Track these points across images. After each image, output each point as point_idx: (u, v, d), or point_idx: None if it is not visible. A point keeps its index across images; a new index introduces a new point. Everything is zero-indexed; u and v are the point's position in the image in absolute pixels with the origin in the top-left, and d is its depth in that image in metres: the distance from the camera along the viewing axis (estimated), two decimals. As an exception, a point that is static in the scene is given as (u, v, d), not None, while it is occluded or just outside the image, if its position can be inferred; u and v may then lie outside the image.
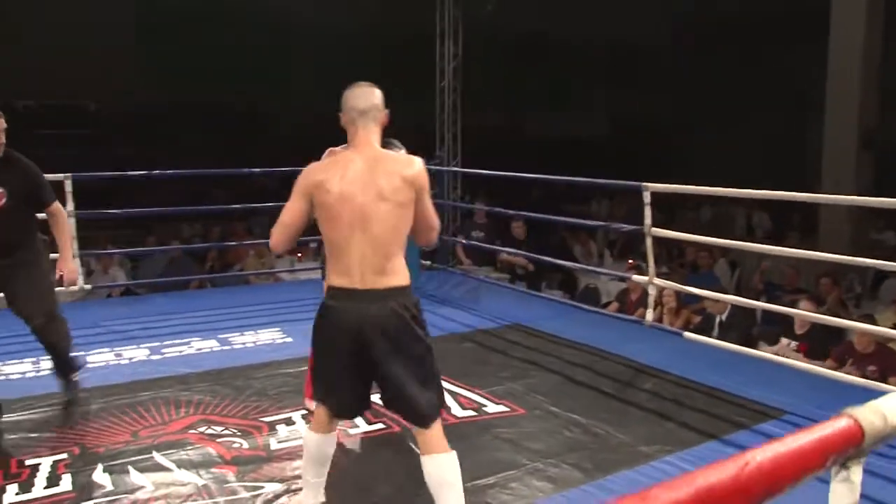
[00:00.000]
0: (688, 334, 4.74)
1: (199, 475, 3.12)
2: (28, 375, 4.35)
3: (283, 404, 3.91)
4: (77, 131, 13.09)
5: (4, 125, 3.45)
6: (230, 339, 5.10)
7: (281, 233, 2.51)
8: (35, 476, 3.11)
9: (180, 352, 4.82)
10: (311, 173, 2.51)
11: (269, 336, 5.20)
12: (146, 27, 13.42)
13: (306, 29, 13.55)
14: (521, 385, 4.21)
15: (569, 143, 15.39)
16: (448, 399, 3.97)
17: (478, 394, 4.07)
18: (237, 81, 13.65)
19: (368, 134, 2.52)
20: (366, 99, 2.54)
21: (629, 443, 3.46)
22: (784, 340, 5.20)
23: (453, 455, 2.50)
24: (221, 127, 13.85)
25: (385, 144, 2.73)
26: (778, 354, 4.65)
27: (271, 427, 3.63)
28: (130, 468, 3.16)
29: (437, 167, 7.10)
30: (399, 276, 2.44)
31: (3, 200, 3.46)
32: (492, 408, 3.89)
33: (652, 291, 4.72)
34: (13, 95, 12.94)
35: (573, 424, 3.66)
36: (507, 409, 3.86)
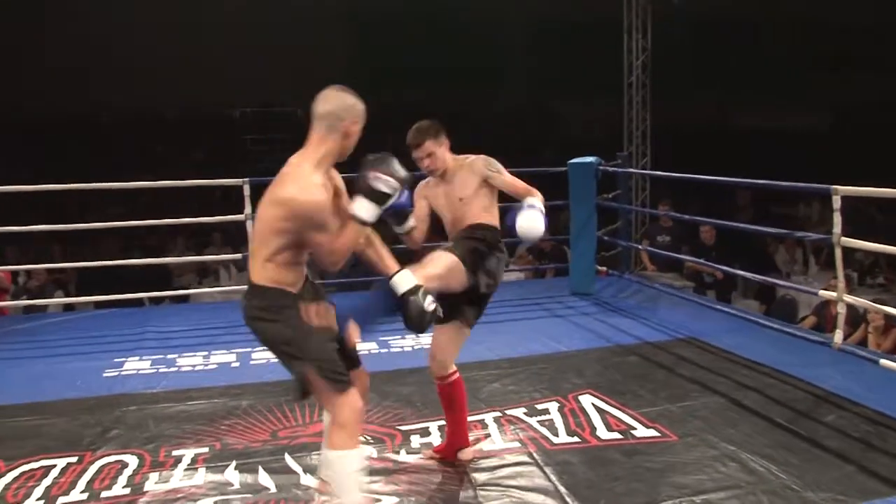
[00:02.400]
0: (886, 362, 4.06)
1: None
2: (197, 368, 4.62)
3: (425, 413, 3.81)
4: (283, 135, 14.00)
5: None
6: (391, 342, 5.10)
7: None
8: (176, 467, 3.25)
9: (338, 352, 4.90)
10: None
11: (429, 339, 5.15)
12: (354, 34, 14.11)
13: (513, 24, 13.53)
14: (679, 407, 3.82)
15: (783, 137, 14.13)
16: (595, 418, 3.72)
17: (629, 414, 3.75)
18: (443, 80, 13.78)
19: (317, 140, 2.42)
20: (325, 103, 2.42)
21: (794, 486, 2.98)
22: None
23: (341, 455, 2.44)
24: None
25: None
26: None
27: (405, 437, 3.56)
28: (260, 468, 3.22)
29: (616, 168, 6.71)
30: (257, 275, 2.44)
31: None
32: (641, 431, 3.56)
33: (842, 310, 4.10)
34: (231, 105, 14.21)
35: (730, 458, 3.24)
36: (658, 435, 3.51)
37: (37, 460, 3.32)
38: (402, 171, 2.45)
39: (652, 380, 4.27)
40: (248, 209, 5.75)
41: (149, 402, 4.02)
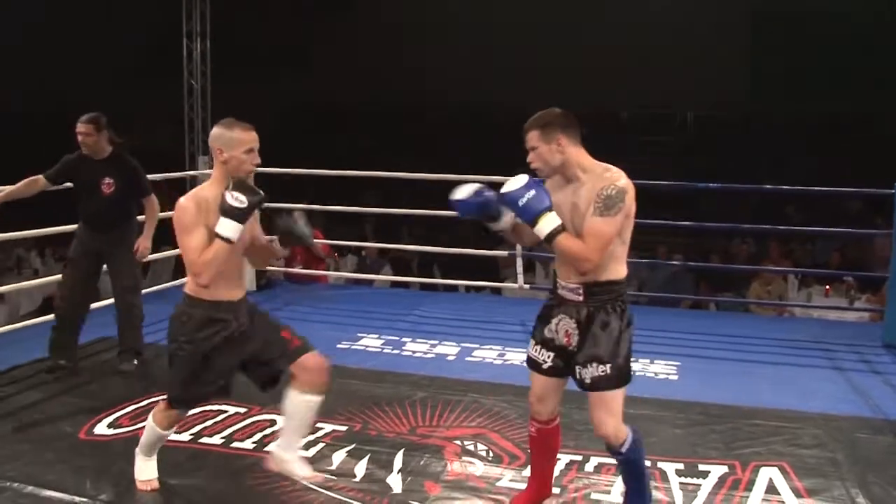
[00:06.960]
0: None
1: (400, 483, 3.12)
2: (416, 354, 4.88)
3: (575, 443, 3.50)
4: (664, 138, 13.57)
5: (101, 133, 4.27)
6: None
7: None
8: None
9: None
10: None
11: (661, 369, 4.69)
12: (749, 36, 13.16)
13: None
14: (882, 512, 2.94)
15: None
16: (754, 498, 3.08)
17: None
18: (850, 90, 12.12)
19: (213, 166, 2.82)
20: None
21: None
22: None
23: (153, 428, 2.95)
24: (825, 140, 12.50)
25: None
26: None
27: (529, 461, 3.34)
28: (367, 457, 3.32)
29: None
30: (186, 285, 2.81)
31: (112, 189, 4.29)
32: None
33: None
34: (618, 106, 14.20)
35: None
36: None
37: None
38: (257, 191, 2.70)
39: (887, 472, 3.32)
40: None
41: (345, 376, 4.21)
